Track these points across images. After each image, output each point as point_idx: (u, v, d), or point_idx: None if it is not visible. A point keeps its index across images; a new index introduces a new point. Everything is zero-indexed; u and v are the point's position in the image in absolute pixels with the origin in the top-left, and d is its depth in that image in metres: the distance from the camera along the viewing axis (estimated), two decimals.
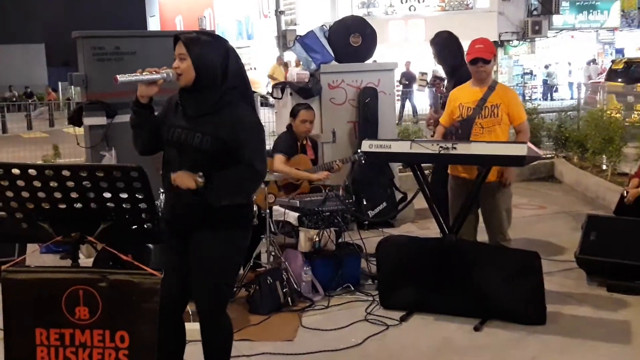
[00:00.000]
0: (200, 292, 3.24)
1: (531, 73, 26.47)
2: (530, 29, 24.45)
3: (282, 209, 5.43)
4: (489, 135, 4.75)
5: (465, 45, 5.01)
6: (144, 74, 3.08)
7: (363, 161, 5.84)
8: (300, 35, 7.70)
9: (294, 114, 5.89)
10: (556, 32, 26.03)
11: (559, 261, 5.75)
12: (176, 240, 3.23)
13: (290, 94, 7.14)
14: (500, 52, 24.45)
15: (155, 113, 3.28)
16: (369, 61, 7.73)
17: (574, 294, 5.06)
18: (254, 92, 3.56)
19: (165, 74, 3.09)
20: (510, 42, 25.50)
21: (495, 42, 21.56)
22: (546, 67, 26.01)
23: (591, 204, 7.97)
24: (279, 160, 5.69)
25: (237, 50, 3.40)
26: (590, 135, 9.07)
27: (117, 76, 3.04)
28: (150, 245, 4.31)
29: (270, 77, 19.38)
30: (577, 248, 5.35)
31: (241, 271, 5.24)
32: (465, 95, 4.92)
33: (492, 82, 4.88)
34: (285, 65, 19.23)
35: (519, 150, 4.34)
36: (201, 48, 3.12)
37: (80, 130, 6.32)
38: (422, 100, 10.12)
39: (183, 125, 3.17)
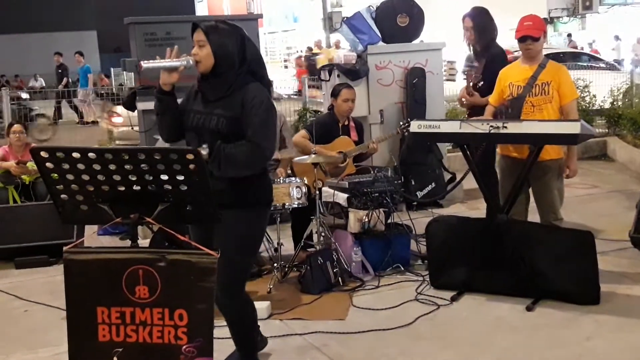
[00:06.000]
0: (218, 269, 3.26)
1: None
2: (581, 5, 23.83)
3: (332, 191, 5.47)
4: (539, 114, 4.68)
5: (514, 22, 4.93)
6: (165, 60, 3.21)
7: (406, 133, 5.83)
8: (347, 17, 7.69)
9: (335, 94, 5.91)
10: (608, 8, 25.32)
11: (612, 240, 5.66)
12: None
13: (338, 75, 7.15)
14: (550, 29, 23.88)
15: (178, 100, 3.41)
16: (417, 41, 7.68)
17: (628, 273, 4.99)
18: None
19: (185, 61, 3.23)
20: (560, 19, 24.92)
21: (545, 19, 21.07)
22: (569, 34, 25.15)
23: None
24: (300, 134, 5.87)
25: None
26: None
27: (141, 62, 3.19)
28: None
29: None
30: (632, 227, 5.27)
31: (292, 252, 5.33)
32: (515, 73, 4.86)
33: (542, 60, 4.80)
34: (319, 47, 20.91)
35: (572, 128, 4.27)
36: (220, 36, 3.25)
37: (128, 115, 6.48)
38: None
39: (201, 110, 3.33)
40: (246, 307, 3.51)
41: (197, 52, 3.24)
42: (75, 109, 16.91)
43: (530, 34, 4.68)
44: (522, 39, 4.71)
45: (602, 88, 10.50)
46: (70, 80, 18.41)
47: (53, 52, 18.02)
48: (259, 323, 3.88)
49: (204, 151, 3.16)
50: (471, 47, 5.77)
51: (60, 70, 18.30)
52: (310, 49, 22.44)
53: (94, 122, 16.01)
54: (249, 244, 3.43)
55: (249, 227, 3.37)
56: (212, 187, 3.14)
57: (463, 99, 5.70)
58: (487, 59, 5.47)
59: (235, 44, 3.27)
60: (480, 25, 5.60)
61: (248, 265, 3.61)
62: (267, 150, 3.29)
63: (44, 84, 25.01)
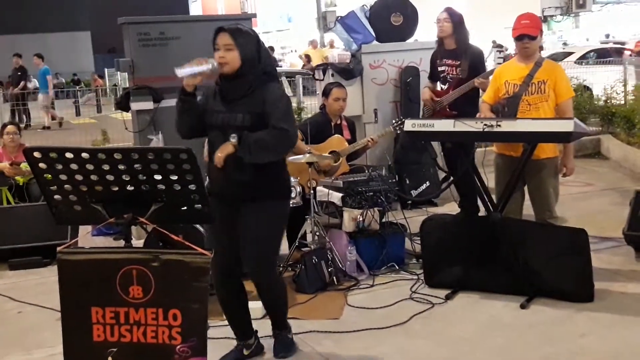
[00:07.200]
0: (249, 258, 3.54)
1: None
2: (575, 3, 23.82)
3: (326, 190, 5.46)
4: (535, 112, 4.68)
5: (510, 20, 4.94)
6: (194, 65, 3.32)
7: (399, 131, 5.85)
8: (341, 16, 7.71)
9: (326, 93, 5.91)
10: (601, 6, 25.36)
11: (606, 238, 5.66)
12: (226, 212, 3.52)
13: (332, 75, 7.15)
14: (544, 28, 23.91)
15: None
16: (411, 40, 7.69)
17: (622, 271, 5.00)
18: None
19: (211, 65, 3.34)
20: (554, 17, 24.94)
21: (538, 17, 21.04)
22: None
23: (639, 180, 7.82)
24: None
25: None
26: (637, 110, 8.87)
27: (176, 70, 3.30)
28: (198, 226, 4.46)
29: (301, 57, 21.66)
30: (625, 225, 5.29)
31: (287, 251, 5.33)
32: (511, 71, 4.86)
33: (539, 58, 4.80)
34: (315, 47, 21.15)
35: (566, 126, 4.27)
36: (244, 38, 3.40)
37: (127, 115, 6.47)
38: None
39: (224, 110, 3.48)
40: (281, 288, 3.79)
41: (224, 55, 3.38)
42: (24, 112, 16.38)
43: (528, 32, 4.69)
44: (519, 38, 4.71)
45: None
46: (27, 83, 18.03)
47: (45, 54, 17.85)
48: (255, 324, 3.90)
49: (233, 139, 3.36)
50: (444, 42, 5.86)
51: (19, 73, 17.86)
52: (272, 48, 22.59)
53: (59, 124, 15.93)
54: (272, 235, 3.62)
55: (271, 219, 3.56)
56: (235, 179, 3.42)
57: (427, 99, 5.88)
58: (470, 60, 5.67)
59: (255, 44, 3.45)
60: (463, 25, 5.74)
61: (277, 249, 3.77)
62: (292, 134, 3.50)
63: (37, 85, 24.92)
